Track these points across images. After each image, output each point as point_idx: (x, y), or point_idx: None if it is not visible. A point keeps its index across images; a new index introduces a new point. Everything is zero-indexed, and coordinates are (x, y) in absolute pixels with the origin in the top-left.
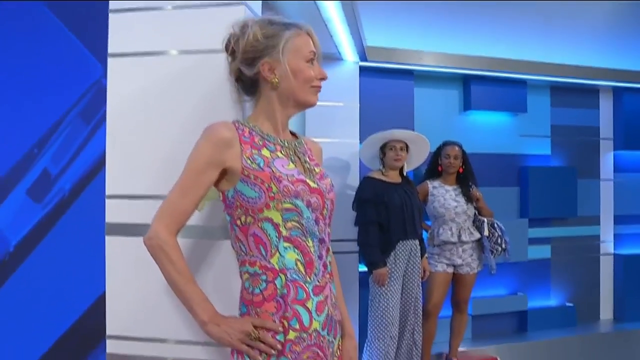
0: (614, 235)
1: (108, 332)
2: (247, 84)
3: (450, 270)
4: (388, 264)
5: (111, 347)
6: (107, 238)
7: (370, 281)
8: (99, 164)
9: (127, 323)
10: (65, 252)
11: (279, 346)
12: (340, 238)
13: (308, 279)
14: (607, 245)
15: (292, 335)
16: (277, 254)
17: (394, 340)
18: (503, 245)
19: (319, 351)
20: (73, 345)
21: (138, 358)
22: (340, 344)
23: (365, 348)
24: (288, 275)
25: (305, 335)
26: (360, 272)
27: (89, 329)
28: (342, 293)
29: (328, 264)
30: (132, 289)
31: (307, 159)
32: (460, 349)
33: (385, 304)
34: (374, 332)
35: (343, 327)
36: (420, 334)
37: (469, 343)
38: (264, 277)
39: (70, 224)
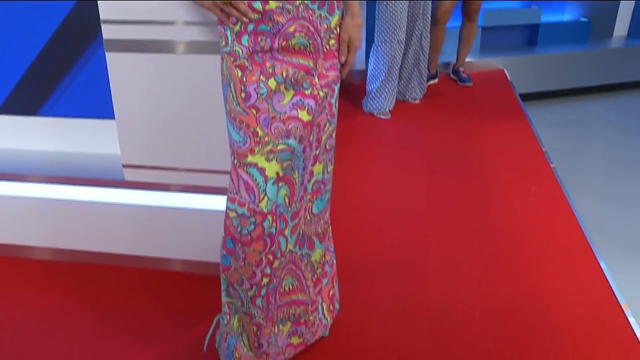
0: None
1: (102, 17)
2: None
3: None
4: None
5: (107, 32)
6: None
7: None
8: None
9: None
10: None
11: (251, 15)
12: None
13: None
14: None
15: (272, 5)
16: None
17: (401, 45)
18: None
19: (309, 25)
20: (70, 38)
21: (137, 42)
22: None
23: (372, 52)
24: None
25: (290, 7)
26: None
27: (83, 19)
28: None
29: None
30: None
31: None
32: (467, 59)
33: (393, 7)
34: (381, 35)
35: (347, 4)
36: (428, 40)
37: (477, 54)
38: None
39: None
